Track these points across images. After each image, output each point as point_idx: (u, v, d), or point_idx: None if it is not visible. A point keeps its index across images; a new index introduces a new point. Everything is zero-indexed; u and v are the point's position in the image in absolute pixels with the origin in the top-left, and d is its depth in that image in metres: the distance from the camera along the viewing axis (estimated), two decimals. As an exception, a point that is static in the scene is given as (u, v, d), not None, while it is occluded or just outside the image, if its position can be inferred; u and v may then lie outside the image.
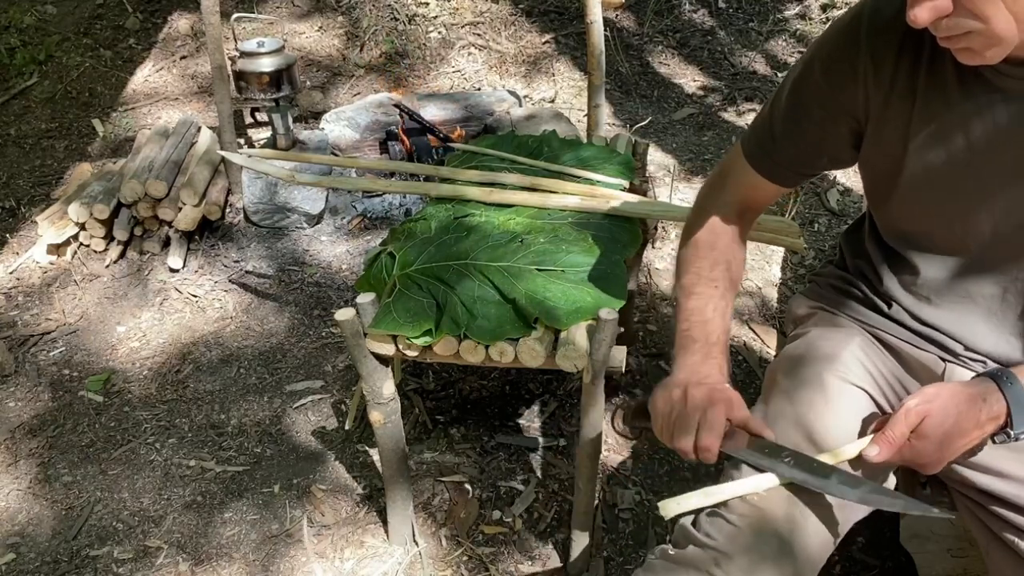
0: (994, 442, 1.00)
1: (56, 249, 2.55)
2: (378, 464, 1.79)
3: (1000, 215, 1.02)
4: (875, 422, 1.05)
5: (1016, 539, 1.04)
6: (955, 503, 1.19)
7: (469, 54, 3.68)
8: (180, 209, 2.56)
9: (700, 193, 1.29)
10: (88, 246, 2.58)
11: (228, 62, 2.65)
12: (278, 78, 2.64)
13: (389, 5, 3.77)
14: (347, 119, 3.01)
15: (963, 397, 0.99)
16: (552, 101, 3.46)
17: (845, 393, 1.13)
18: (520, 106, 3.21)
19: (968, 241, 1.07)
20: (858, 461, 1.04)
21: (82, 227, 2.54)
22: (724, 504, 1.05)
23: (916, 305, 1.15)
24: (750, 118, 3.41)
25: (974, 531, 1.14)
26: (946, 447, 0.98)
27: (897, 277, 1.17)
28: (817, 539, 1.03)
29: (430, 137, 2.86)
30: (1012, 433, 0.98)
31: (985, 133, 0.98)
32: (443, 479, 1.81)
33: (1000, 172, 1.00)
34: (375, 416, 1.46)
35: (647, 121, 3.33)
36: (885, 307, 1.19)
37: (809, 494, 1.03)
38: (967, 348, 1.12)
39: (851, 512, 1.08)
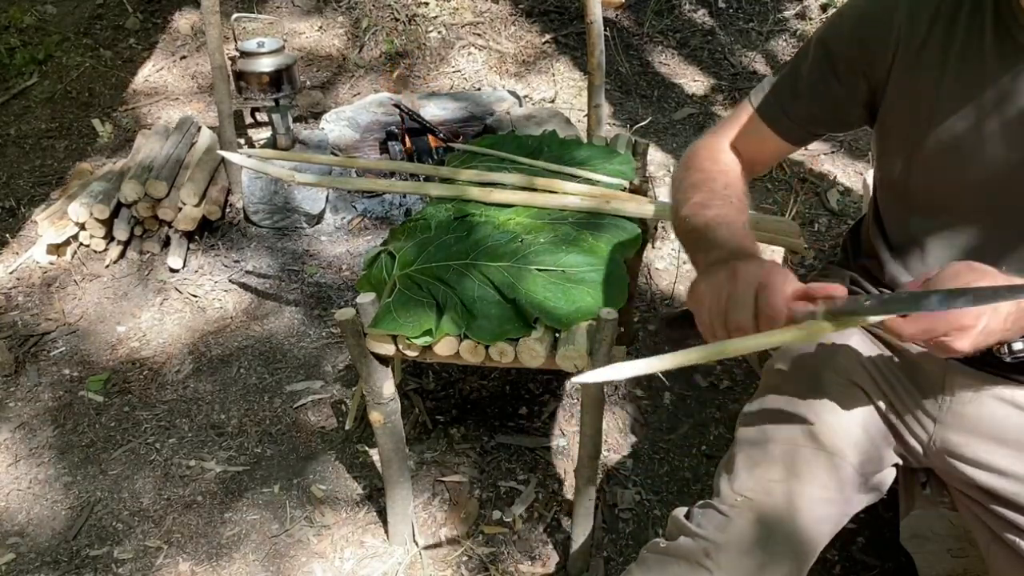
0: (998, 353, 0.96)
1: (56, 249, 2.55)
2: (378, 464, 1.79)
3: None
4: None
5: (1017, 539, 1.04)
6: (955, 503, 1.19)
7: (469, 54, 3.68)
8: (180, 209, 2.56)
9: (696, 144, 1.25)
10: (88, 246, 2.58)
11: (228, 62, 2.65)
12: (278, 78, 2.64)
13: (389, 5, 3.77)
14: (347, 119, 3.00)
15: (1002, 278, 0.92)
16: (552, 101, 3.46)
17: (842, 391, 1.13)
18: (520, 106, 3.21)
19: (987, 208, 1.06)
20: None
21: (82, 227, 2.54)
22: (718, 496, 1.06)
23: None
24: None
25: (974, 531, 1.14)
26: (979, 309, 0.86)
27: (905, 267, 1.17)
28: (810, 532, 1.02)
29: (430, 137, 2.86)
30: (1012, 347, 0.94)
31: (1016, 97, 0.99)
32: (443, 479, 1.81)
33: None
34: (375, 416, 1.46)
35: (647, 121, 3.33)
36: None
37: (804, 483, 1.03)
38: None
39: (847, 506, 1.08)
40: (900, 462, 1.18)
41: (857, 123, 1.17)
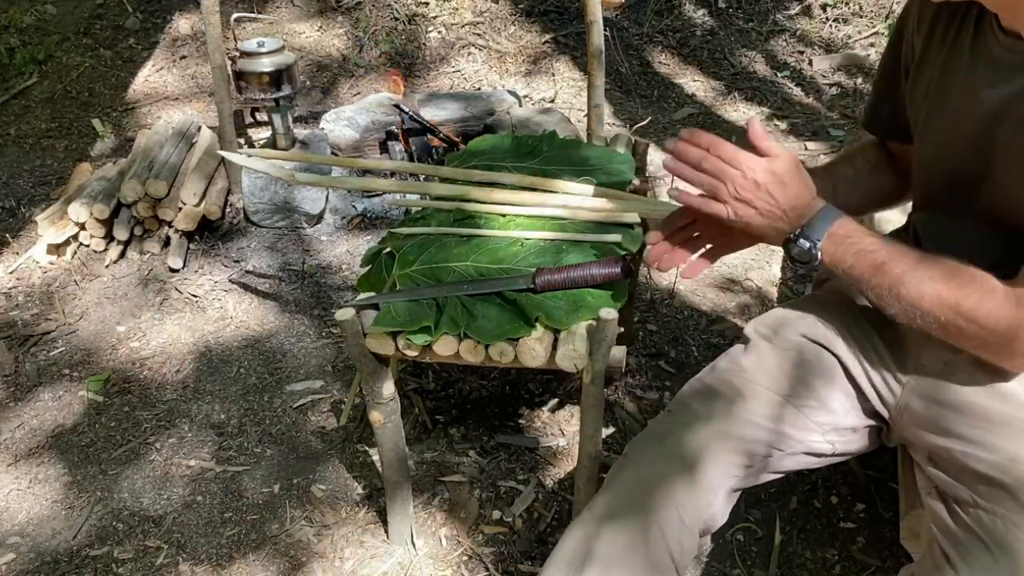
0: (789, 254, 1.08)
1: (56, 249, 2.55)
2: (378, 464, 1.79)
3: (991, 185, 1.05)
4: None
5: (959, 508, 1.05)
6: (916, 478, 1.22)
7: (469, 54, 3.68)
8: (180, 209, 2.56)
9: None
10: (88, 246, 2.58)
11: (228, 62, 2.65)
12: (278, 78, 2.64)
13: (389, 5, 3.77)
14: (347, 119, 3.00)
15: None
16: (552, 101, 3.46)
17: (817, 355, 1.21)
18: (520, 106, 3.21)
19: (965, 208, 1.10)
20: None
21: (82, 227, 2.54)
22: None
23: None
24: (750, 117, 3.42)
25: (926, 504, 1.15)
26: (767, 183, 1.06)
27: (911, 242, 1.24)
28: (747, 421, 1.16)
29: (429, 137, 2.86)
30: (794, 235, 1.05)
31: (974, 98, 1.04)
32: (443, 479, 1.81)
33: (977, 136, 1.04)
34: (375, 416, 1.46)
35: (647, 121, 3.33)
36: None
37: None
38: None
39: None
40: (872, 422, 1.22)
41: None
